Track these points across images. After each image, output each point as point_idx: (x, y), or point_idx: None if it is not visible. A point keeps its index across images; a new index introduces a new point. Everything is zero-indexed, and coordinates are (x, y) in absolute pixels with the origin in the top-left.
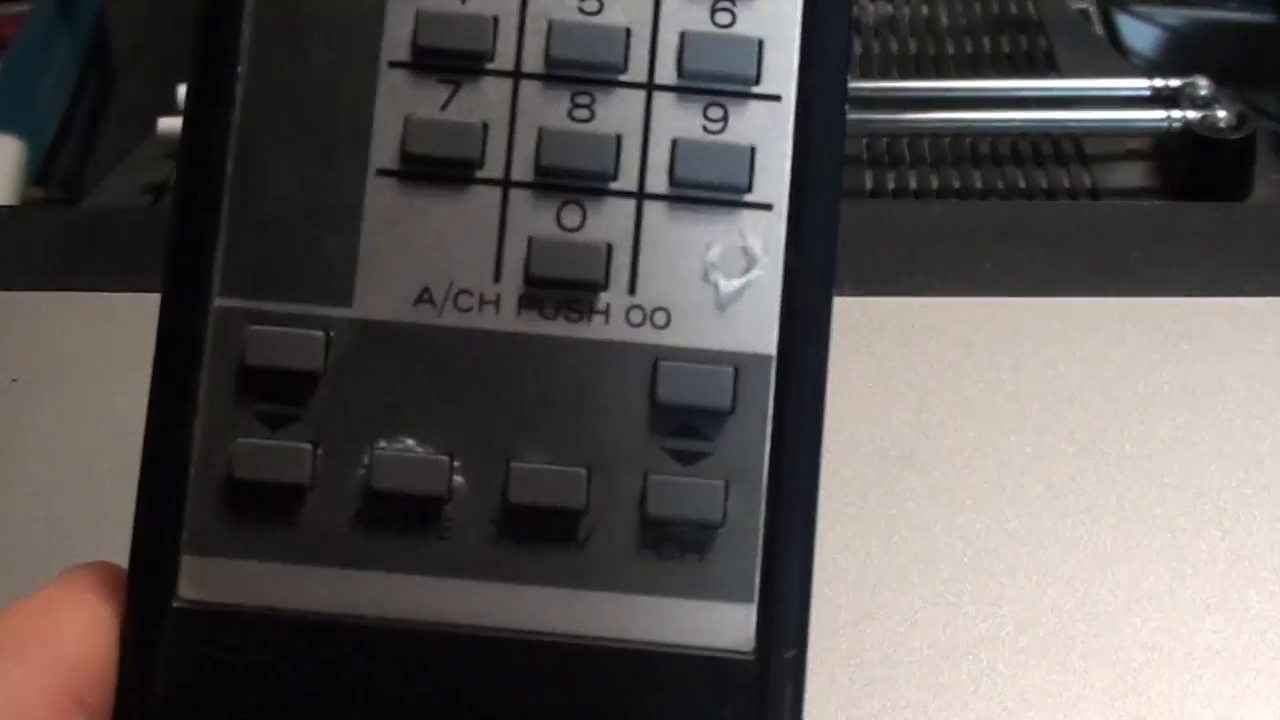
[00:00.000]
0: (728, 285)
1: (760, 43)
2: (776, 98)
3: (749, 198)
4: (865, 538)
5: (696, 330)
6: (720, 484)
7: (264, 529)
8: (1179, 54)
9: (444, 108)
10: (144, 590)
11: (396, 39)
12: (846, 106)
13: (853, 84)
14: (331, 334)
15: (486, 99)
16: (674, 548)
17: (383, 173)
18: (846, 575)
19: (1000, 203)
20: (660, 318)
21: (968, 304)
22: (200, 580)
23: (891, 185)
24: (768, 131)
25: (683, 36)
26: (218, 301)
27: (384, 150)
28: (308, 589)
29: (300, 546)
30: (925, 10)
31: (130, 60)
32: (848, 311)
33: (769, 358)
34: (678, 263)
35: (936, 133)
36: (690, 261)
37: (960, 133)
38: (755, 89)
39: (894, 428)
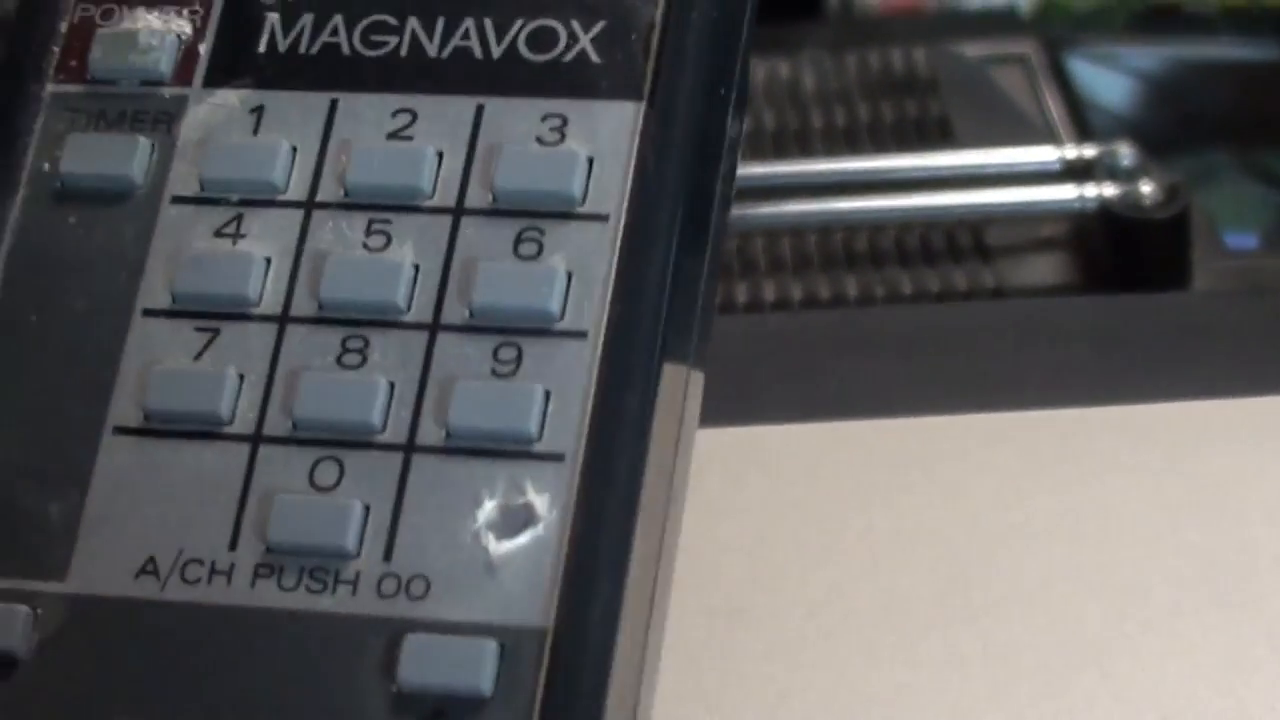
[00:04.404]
0: (499, 547)
1: (568, 275)
2: (580, 334)
3: (537, 448)
4: (692, 706)
5: (457, 600)
6: None
7: None
8: (1159, 105)
9: (197, 357)
10: None
11: (154, 285)
12: (663, 348)
13: None
14: (39, 611)
15: (246, 346)
16: None
17: (120, 430)
18: None
19: (844, 310)
20: (417, 587)
21: (809, 431)
22: None
23: (743, 299)
24: (567, 372)
25: (477, 271)
26: None
27: (124, 406)
28: None
29: None
30: (785, 72)
31: None
32: None
33: (542, 631)
34: (444, 524)
35: (798, 227)
36: (459, 522)
37: (828, 225)
38: (557, 325)
39: (723, 580)
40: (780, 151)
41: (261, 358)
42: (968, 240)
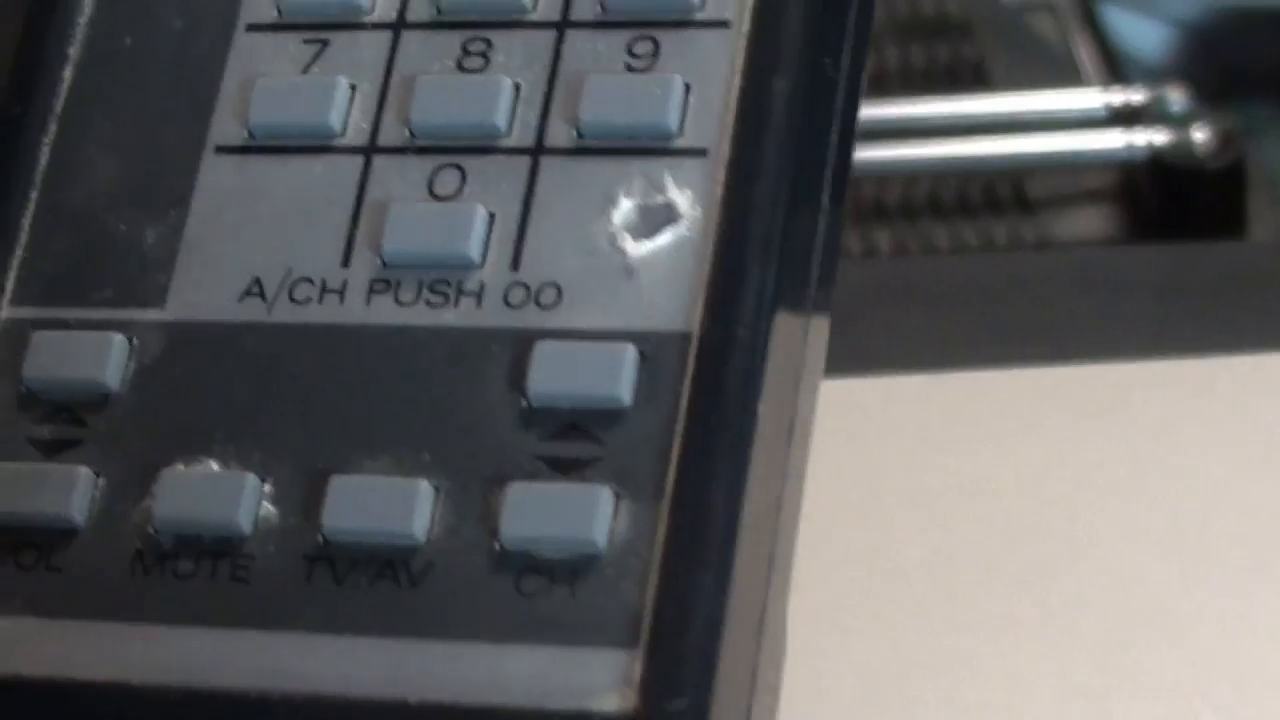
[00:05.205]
0: (638, 248)
1: None
2: (724, 23)
3: (677, 143)
4: None
5: (592, 307)
6: (605, 494)
7: (22, 576)
8: (1200, 55)
9: (305, 70)
10: None
11: None
12: (813, 38)
13: None
14: (135, 341)
15: (358, 57)
16: (539, 579)
17: (223, 149)
18: None
19: (887, 260)
20: (548, 295)
21: (851, 386)
22: None
23: None
24: (709, 63)
25: None
26: (6, 313)
27: (227, 124)
28: (67, 649)
29: (63, 597)
30: None
31: None
32: None
33: (686, 335)
34: (577, 227)
35: None
36: (593, 224)
37: (858, 175)
38: (698, 14)
39: None
40: None
41: (375, 66)
42: (1007, 192)
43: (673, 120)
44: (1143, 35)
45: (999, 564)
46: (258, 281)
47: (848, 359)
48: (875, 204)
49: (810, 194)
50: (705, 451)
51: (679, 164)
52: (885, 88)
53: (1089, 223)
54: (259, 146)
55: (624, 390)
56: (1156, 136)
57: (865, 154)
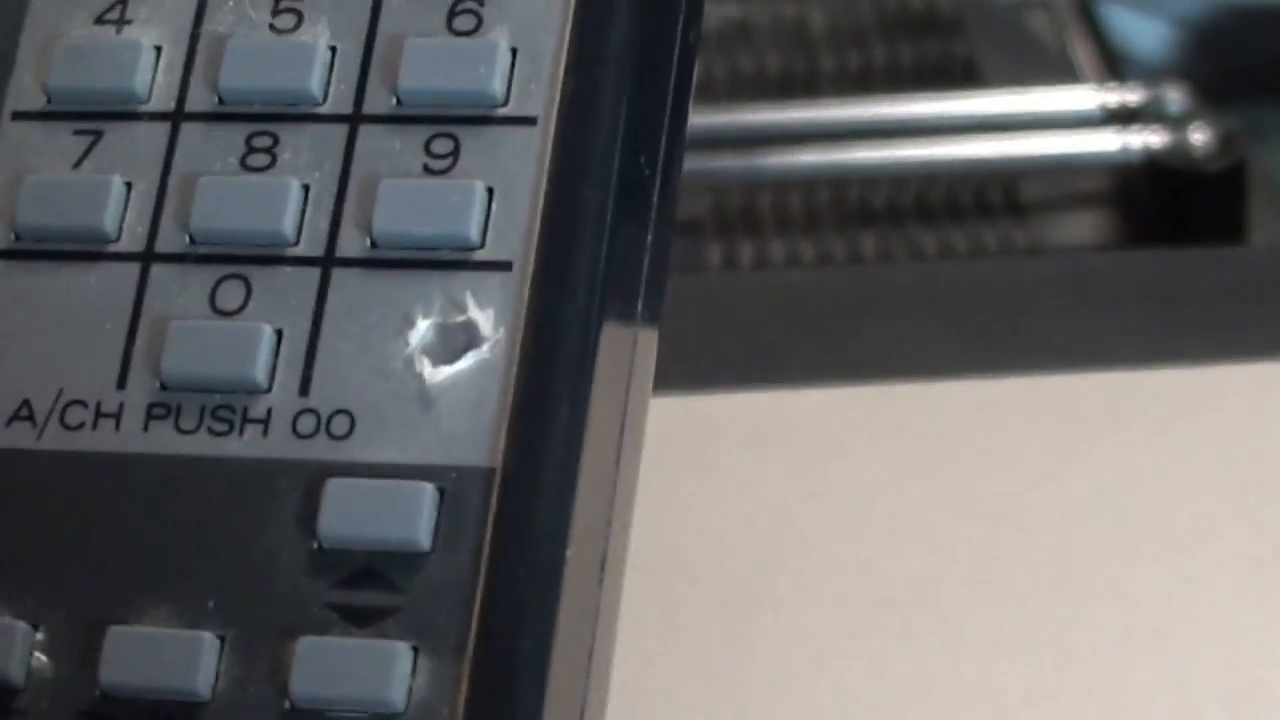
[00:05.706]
0: (436, 373)
1: (513, 51)
2: (529, 120)
3: (479, 255)
4: (709, 697)
5: (388, 438)
6: (402, 650)
7: None
8: (1202, 55)
9: (76, 165)
10: None
11: (24, 83)
12: (625, 130)
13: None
14: None
15: (135, 151)
16: None
17: None
18: None
19: (874, 266)
20: (340, 424)
21: (834, 396)
22: None
23: (747, 259)
24: (514, 164)
25: (405, 49)
26: None
27: None
28: None
29: None
30: (792, 10)
31: None
32: (676, 413)
33: (489, 471)
34: (370, 349)
35: (810, 177)
36: (388, 346)
37: (842, 176)
38: (501, 110)
39: (742, 558)
40: (786, 95)
41: (152, 162)
42: (998, 195)
43: (474, 231)
44: (1141, 33)
45: (987, 581)
46: (26, 404)
47: (830, 369)
48: (861, 207)
49: (624, 309)
50: (510, 600)
51: (481, 279)
52: (871, 86)
53: (1083, 227)
54: (27, 251)
55: (422, 533)
56: (1153, 138)
57: (851, 155)
